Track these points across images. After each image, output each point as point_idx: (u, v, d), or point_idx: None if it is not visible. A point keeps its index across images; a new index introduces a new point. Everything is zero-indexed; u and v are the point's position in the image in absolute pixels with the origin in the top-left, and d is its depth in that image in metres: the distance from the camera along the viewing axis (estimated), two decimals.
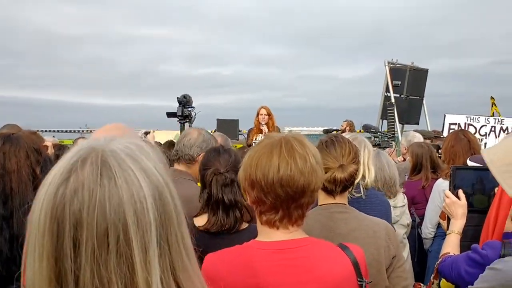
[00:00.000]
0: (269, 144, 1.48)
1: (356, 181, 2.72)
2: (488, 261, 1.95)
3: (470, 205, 2.34)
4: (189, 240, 0.89)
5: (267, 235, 1.48)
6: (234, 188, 2.22)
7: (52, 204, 0.78)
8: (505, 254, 1.90)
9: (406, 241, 4.00)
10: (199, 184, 3.02)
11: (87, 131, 14.27)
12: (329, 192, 2.04)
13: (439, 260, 2.24)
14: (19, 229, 2.11)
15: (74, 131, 14.78)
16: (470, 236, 2.38)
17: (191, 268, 0.87)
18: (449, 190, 2.37)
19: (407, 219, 3.94)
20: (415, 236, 4.48)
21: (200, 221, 2.26)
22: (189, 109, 5.84)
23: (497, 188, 2.24)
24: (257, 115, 7.37)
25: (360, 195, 2.68)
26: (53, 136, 13.58)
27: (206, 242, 2.16)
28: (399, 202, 3.85)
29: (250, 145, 7.38)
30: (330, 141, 2.13)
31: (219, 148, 2.48)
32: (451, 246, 2.27)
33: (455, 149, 4.09)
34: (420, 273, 4.39)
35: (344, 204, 2.08)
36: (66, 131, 14.63)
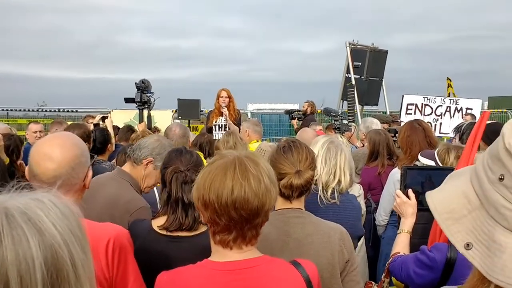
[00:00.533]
0: (222, 164, 1.47)
1: (332, 185, 2.78)
2: (435, 263, 2.04)
3: (420, 204, 2.42)
4: None
5: (220, 255, 1.49)
6: None
7: None
8: (451, 257, 2.00)
9: (362, 226, 4.12)
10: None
11: (44, 110, 13.78)
12: (286, 197, 2.07)
13: (390, 260, 2.33)
14: None
15: (30, 110, 14.22)
16: (419, 234, 2.48)
17: None
18: (400, 189, 2.45)
19: (362, 209, 4.04)
20: (370, 221, 4.62)
21: (159, 222, 2.25)
22: (148, 94, 5.73)
23: None
24: (218, 97, 7.29)
25: (335, 201, 2.73)
26: (5, 118, 13.05)
27: (166, 245, 2.18)
28: (355, 192, 3.93)
29: (210, 128, 7.33)
30: (288, 146, 2.16)
31: (181, 148, 2.46)
32: (401, 245, 2.35)
33: (411, 138, 4.21)
34: (374, 257, 4.56)
35: (301, 209, 2.11)
36: (21, 110, 14.04)
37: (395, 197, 2.47)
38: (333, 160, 2.86)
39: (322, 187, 2.77)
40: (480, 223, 0.85)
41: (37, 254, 0.80)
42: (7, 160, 3.76)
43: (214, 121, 7.30)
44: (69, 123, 7.78)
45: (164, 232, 2.20)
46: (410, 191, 2.40)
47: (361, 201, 4.10)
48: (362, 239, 4.00)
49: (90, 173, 1.85)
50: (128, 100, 5.82)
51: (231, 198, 1.41)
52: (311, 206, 2.42)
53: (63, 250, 0.84)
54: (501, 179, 0.82)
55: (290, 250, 1.98)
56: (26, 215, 0.83)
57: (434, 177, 2.49)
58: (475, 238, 0.85)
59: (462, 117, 9.53)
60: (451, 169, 2.41)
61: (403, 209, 2.39)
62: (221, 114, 7.25)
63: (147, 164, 2.81)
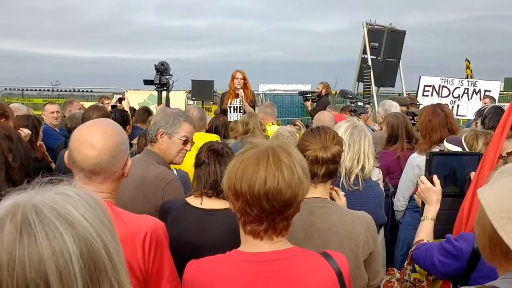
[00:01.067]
0: (255, 154, 1.45)
1: (356, 171, 2.75)
2: (461, 253, 2.03)
3: (444, 190, 2.39)
4: (126, 282, 0.90)
5: (251, 245, 1.48)
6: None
7: None
8: (478, 248, 1.97)
9: (384, 214, 4.10)
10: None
11: (57, 90, 13.85)
12: (311, 178, 2.02)
13: (413, 247, 2.31)
14: None
15: (45, 90, 14.30)
16: (443, 220, 2.45)
17: None
18: (425, 175, 2.42)
19: None
20: (388, 205, 4.60)
21: (193, 198, 2.35)
22: (167, 76, 5.70)
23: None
24: (232, 79, 7.24)
25: (357, 188, 2.70)
26: (20, 98, 13.14)
27: (199, 217, 2.29)
28: (374, 176, 3.91)
29: (224, 110, 7.30)
30: (316, 128, 2.22)
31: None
32: (425, 233, 2.33)
33: (432, 123, 4.14)
34: (391, 242, 4.55)
35: (326, 198, 2.09)
36: (36, 90, 14.11)
37: (419, 183, 2.44)
38: (356, 145, 2.84)
39: (345, 173, 2.75)
40: None
41: (73, 248, 0.80)
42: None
43: (229, 103, 7.27)
44: (82, 103, 7.82)
45: (198, 205, 2.27)
46: (435, 177, 2.36)
47: (380, 185, 4.08)
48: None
49: (130, 161, 1.83)
50: (147, 82, 5.81)
51: (264, 189, 1.39)
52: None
53: (96, 241, 0.84)
54: None
55: (313, 240, 1.96)
56: (56, 210, 0.82)
57: (460, 163, 2.45)
58: None
59: (480, 99, 9.39)
60: (478, 155, 2.37)
61: (428, 196, 2.36)
62: (236, 95, 7.21)
63: (161, 136, 2.82)
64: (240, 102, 7.20)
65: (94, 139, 1.69)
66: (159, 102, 5.73)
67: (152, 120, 2.98)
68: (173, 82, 5.71)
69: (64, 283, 0.79)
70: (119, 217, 1.62)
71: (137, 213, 1.79)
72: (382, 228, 4.07)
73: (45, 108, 6.28)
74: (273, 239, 1.48)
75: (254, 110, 6.85)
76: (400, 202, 4.37)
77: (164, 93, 5.73)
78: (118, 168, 1.75)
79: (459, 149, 3.00)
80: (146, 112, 5.72)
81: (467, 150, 2.92)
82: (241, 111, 7.12)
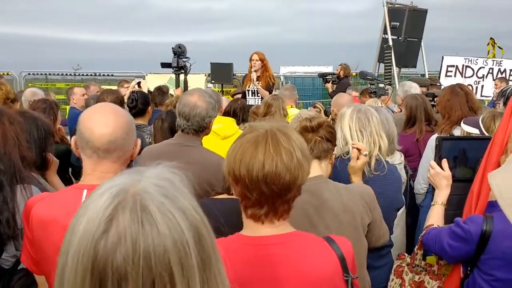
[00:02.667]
0: (253, 137, 1.44)
1: (375, 154, 2.74)
2: (470, 236, 2.00)
3: (454, 175, 2.36)
4: (225, 275, 0.87)
5: (252, 229, 1.49)
6: None
7: (92, 259, 0.72)
8: (487, 230, 1.94)
9: (402, 197, 4.05)
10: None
11: (80, 74, 14.01)
12: None
13: (423, 232, 2.29)
14: None
15: (68, 74, 14.50)
16: (455, 205, 2.42)
17: None
18: (434, 160, 2.39)
19: (403, 177, 3.95)
20: (407, 188, 4.54)
21: None
22: (184, 59, 5.71)
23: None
24: (250, 61, 7.19)
25: (378, 173, 2.68)
26: (44, 82, 13.35)
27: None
28: (396, 160, 3.84)
29: (244, 92, 7.28)
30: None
31: None
32: (435, 217, 2.31)
33: (451, 102, 4.06)
34: (411, 226, 4.49)
35: (320, 175, 2.11)
36: (59, 74, 14.32)
37: (429, 168, 2.41)
38: (368, 128, 2.80)
39: None
40: None
41: (190, 238, 0.76)
42: None
43: (247, 86, 7.23)
44: (104, 87, 7.93)
45: None
46: (444, 162, 2.33)
47: (402, 169, 4.01)
48: (403, 209, 3.95)
49: (139, 142, 1.87)
50: (164, 65, 5.83)
51: (262, 172, 1.39)
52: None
53: (204, 230, 0.81)
54: None
55: (309, 217, 1.99)
56: (169, 198, 0.78)
57: (470, 147, 2.41)
58: None
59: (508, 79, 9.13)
60: (489, 139, 2.31)
61: (437, 181, 2.33)
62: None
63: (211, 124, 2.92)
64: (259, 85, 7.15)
65: (107, 117, 1.72)
66: (177, 85, 5.75)
67: (197, 114, 2.88)
68: (190, 65, 5.72)
69: (185, 273, 0.76)
70: None
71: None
72: (404, 213, 4.01)
73: (74, 92, 6.44)
74: (274, 223, 1.48)
75: (271, 93, 6.79)
76: (420, 185, 4.31)
77: (182, 76, 5.73)
78: (130, 146, 1.79)
79: (476, 130, 2.93)
80: (161, 93, 5.69)
81: (484, 131, 2.86)
82: (259, 94, 7.08)
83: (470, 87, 9.10)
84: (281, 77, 14.28)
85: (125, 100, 4.62)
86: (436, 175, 2.34)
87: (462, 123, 3.01)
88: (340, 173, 2.56)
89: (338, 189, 2.10)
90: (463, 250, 2.05)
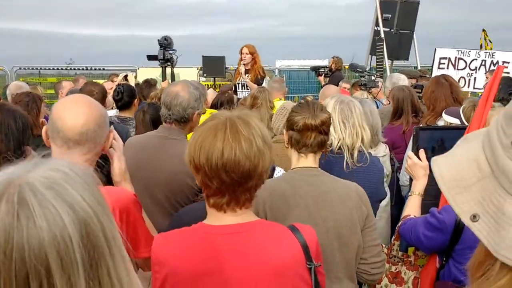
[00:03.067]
0: (213, 126, 1.43)
1: (357, 145, 2.71)
2: (445, 226, 1.98)
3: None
4: (125, 271, 0.84)
5: (215, 218, 1.47)
6: None
7: None
8: (460, 220, 1.92)
9: (387, 189, 4.03)
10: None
11: (73, 68, 13.95)
12: (300, 149, 2.05)
13: (400, 223, 2.28)
14: None
15: (61, 68, 14.43)
16: (432, 195, 2.40)
17: None
18: (412, 151, 2.37)
19: (387, 169, 3.93)
20: (393, 180, 4.52)
21: None
22: (170, 52, 5.66)
23: None
24: (240, 54, 7.16)
25: (360, 164, 2.65)
26: (37, 77, 13.28)
27: None
28: (380, 152, 3.81)
29: (235, 85, 7.25)
30: (305, 102, 2.21)
31: None
32: (412, 208, 2.30)
33: (436, 94, 4.05)
34: (397, 217, 4.48)
35: (316, 167, 2.08)
36: (52, 68, 14.23)
37: (406, 158, 2.39)
38: (350, 120, 2.77)
39: (348, 151, 2.69)
40: (489, 193, 0.75)
41: (73, 232, 0.75)
42: None
43: (237, 79, 7.21)
44: (98, 81, 7.88)
45: None
46: (421, 152, 2.32)
47: (387, 161, 3.99)
48: (387, 201, 3.93)
49: (111, 135, 1.85)
50: (151, 58, 5.79)
51: (221, 161, 1.37)
52: (334, 171, 2.38)
53: (95, 224, 0.79)
54: None
55: (307, 208, 1.96)
56: (54, 190, 0.76)
57: (447, 137, 2.40)
58: (482, 209, 0.75)
59: None
60: (465, 128, 2.30)
61: (415, 171, 2.32)
62: (245, 72, 7.13)
63: (197, 115, 2.81)
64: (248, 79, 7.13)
65: (80, 108, 1.71)
66: (164, 78, 5.71)
67: (178, 103, 2.80)
68: (177, 57, 5.68)
69: (65, 269, 0.74)
70: None
71: None
72: (389, 205, 3.99)
73: (62, 85, 6.38)
74: (236, 211, 1.46)
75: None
76: (405, 176, 4.27)
77: (169, 69, 5.69)
78: (102, 139, 1.77)
79: (457, 120, 2.92)
80: (149, 85, 5.66)
81: (465, 121, 2.84)
82: (249, 88, 7.05)
83: (463, 80, 9.09)
84: (276, 71, 14.24)
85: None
86: (413, 166, 2.33)
87: (443, 113, 3.00)
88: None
89: (335, 181, 2.08)
90: (438, 240, 2.03)
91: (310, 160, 2.07)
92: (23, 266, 0.71)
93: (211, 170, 1.38)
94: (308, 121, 2.02)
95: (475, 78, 9.45)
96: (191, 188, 2.59)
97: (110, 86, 5.30)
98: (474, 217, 0.76)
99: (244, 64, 6.96)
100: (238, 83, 7.16)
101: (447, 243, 2.00)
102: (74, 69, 13.69)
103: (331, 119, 2.70)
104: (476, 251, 0.82)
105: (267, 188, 1.89)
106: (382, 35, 9.33)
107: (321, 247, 1.65)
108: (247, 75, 7.04)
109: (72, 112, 1.70)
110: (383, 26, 9.64)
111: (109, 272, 0.80)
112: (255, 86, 6.65)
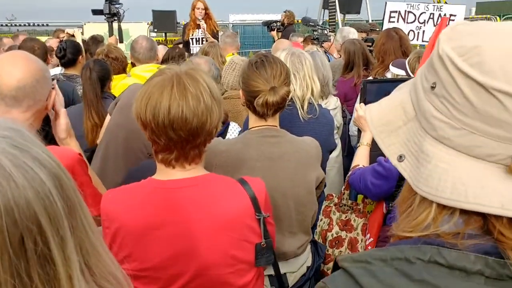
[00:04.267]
0: (160, 82, 1.39)
1: (307, 97, 2.72)
2: (391, 173, 2.07)
3: None
4: (91, 220, 0.84)
5: (164, 173, 1.47)
6: None
7: None
8: None
9: (338, 141, 4.12)
10: None
11: (15, 24, 13.20)
12: (261, 115, 2.00)
13: (350, 172, 2.35)
14: None
15: (3, 25, 13.62)
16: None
17: (102, 248, 0.84)
18: (360, 103, 2.42)
19: (338, 121, 4.01)
20: (345, 133, 4.64)
21: None
22: (117, 6, 5.43)
23: None
24: (193, 8, 6.96)
25: (310, 116, 2.65)
26: None
27: None
28: (331, 104, 3.87)
29: (187, 42, 7.08)
30: (260, 61, 2.03)
31: None
32: (360, 158, 2.37)
33: (386, 46, 4.12)
34: (348, 167, 4.62)
35: (275, 126, 2.05)
36: None
37: (354, 111, 2.44)
38: (301, 72, 2.79)
39: (299, 102, 2.71)
40: (413, 134, 0.82)
41: (51, 187, 0.73)
42: None
43: (191, 34, 7.04)
44: (42, 37, 7.49)
45: None
46: (362, 106, 2.38)
47: (338, 114, 4.06)
48: (339, 151, 4.03)
49: (54, 93, 1.79)
50: (96, 12, 5.54)
51: (168, 118, 1.35)
52: (286, 122, 2.38)
53: (63, 176, 0.78)
54: (432, 88, 0.78)
55: (267, 168, 1.95)
56: (19, 149, 0.73)
57: (393, 89, 2.46)
58: (407, 150, 0.82)
59: (448, 24, 9.28)
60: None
61: (362, 123, 2.38)
62: (198, 26, 6.97)
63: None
64: (202, 33, 6.98)
65: (17, 63, 1.65)
66: (110, 34, 5.49)
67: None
68: (123, 12, 5.45)
69: (53, 223, 0.73)
70: None
71: None
72: (340, 155, 4.10)
73: (4, 43, 6.03)
74: (185, 167, 1.46)
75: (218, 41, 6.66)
76: (354, 127, 4.40)
77: (116, 24, 5.47)
78: (42, 96, 1.71)
79: (403, 72, 2.99)
80: (96, 42, 5.43)
81: (410, 72, 2.92)
82: (204, 42, 6.91)
83: (412, 33, 9.24)
84: (230, 25, 13.99)
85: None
86: (360, 118, 2.38)
87: (390, 65, 3.06)
88: None
89: (295, 141, 2.06)
90: (385, 187, 2.12)
91: (270, 120, 2.03)
92: (16, 229, 0.69)
93: (158, 127, 1.37)
94: (270, 98, 1.93)
95: (423, 31, 9.61)
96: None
97: (56, 43, 5.06)
98: (400, 158, 0.83)
99: (202, 19, 6.83)
100: (192, 38, 7.00)
101: (393, 189, 2.08)
102: (16, 25, 12.96)
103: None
104: (402, 189, 0.88)
105: (224, 151, 1.90)
106: None
107: (277, 207, 1.67)
108: (200, 30, 6.92)
109: (8, 68, 1.63)
110: None
111: (82, 221, 0.81)
112: (215, 41, 6.56)
